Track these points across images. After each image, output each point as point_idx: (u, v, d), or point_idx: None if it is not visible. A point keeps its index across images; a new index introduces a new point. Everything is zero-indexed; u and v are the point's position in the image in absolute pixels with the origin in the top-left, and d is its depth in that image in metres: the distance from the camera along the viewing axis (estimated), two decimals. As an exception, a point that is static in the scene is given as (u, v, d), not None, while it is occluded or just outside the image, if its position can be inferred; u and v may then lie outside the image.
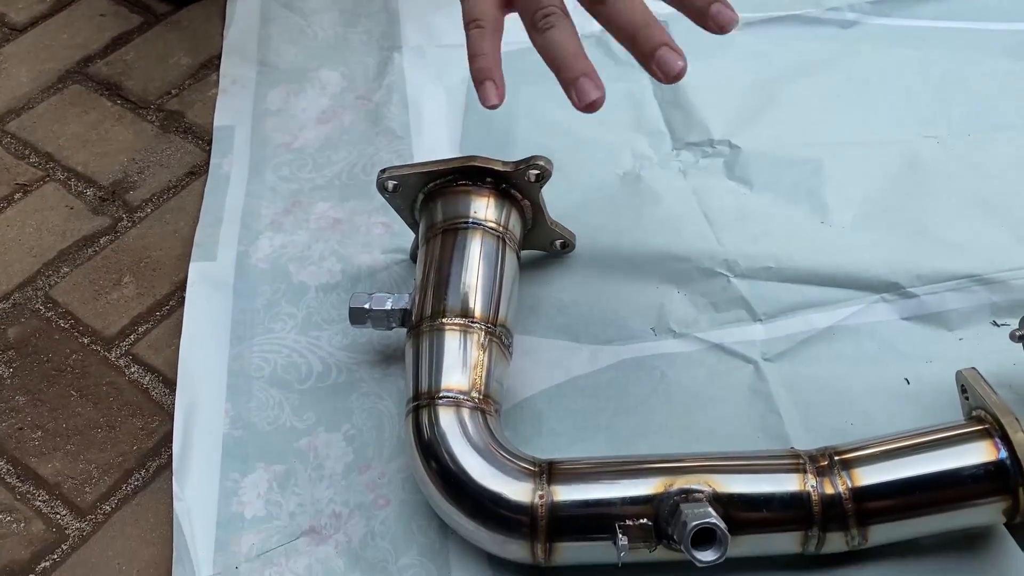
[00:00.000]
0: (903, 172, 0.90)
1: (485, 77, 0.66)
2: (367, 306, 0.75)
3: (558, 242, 0.85)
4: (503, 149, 0.95)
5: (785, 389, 0.76)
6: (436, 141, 0.98)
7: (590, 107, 0.60)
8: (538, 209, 0.81)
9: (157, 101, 1.06)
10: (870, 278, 0.81)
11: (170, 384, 0.80)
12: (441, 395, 0.67)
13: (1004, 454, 0.61)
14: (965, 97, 0.97)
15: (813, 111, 0.97)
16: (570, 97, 0.61)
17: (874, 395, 0.75)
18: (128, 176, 0.99)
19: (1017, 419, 0.61)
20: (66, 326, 0.86)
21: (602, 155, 0.96)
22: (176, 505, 0.71)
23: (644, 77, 1.02)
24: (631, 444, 0.73)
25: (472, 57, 0.67)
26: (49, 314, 0.87)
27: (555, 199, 0.90)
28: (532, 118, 1.00)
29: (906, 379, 0.76)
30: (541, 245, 0.86)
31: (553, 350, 0.81)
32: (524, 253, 0.86)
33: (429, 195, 0.79)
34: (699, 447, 0.71)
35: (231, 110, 1.04)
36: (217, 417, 0.77)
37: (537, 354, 0.80)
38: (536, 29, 0.63)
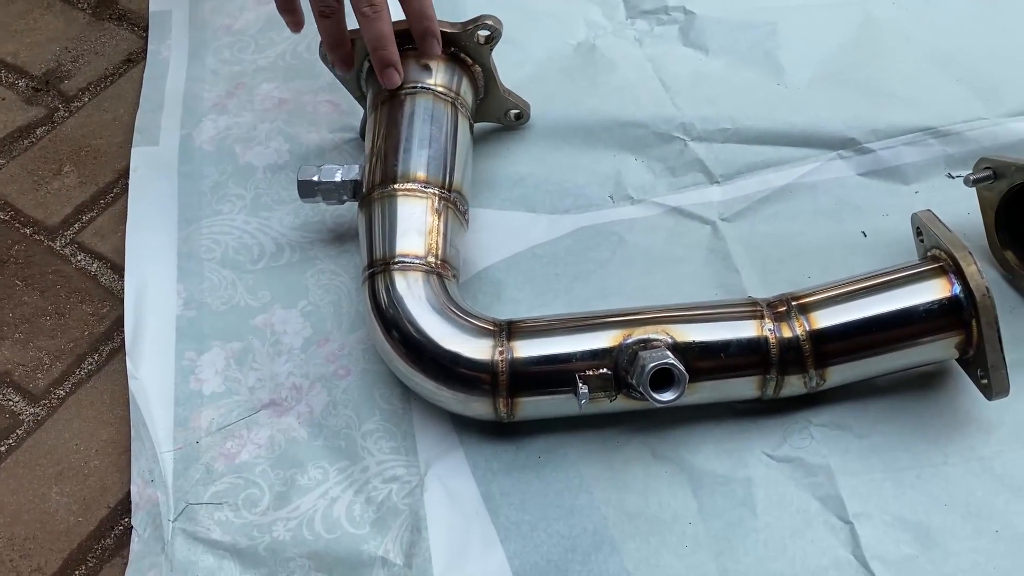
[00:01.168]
0: (859, 32, 0.89)
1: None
2: (316, 178, 0.73)
3: (512, 112, 0.83)
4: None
5: (743, 247, 0.76)
6: (383, 16, 0.94)
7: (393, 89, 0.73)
8: (490, 75, 0.79)
9: (87, -12, 1.01)
10: (826, 135, 0.81)
11: (118, 270, 0.78)
12: (396, 260, 0.66)
13: (958, 289, 0.61)
14: (921, -44, 0.95)
15: (768, -26, 0.95)
16: (378, 77, 0.73)
17: (831, 249, 0.75)
18: (62, 65, 0.94)
19: (970, 253, 0.61)
20: (5, 217, 0.83)
21: (555, 26, 0.94)
22: (131, 384, 0.70)
23: (595, -54, 1.00)
24: (590, 306, 0.72)
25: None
26: (-13, 206, 0.84)
27: (508, 71, 0.88)
28: (482, -9, 0.97)
29: (863, 232, 0.76)
30: (495, 116, 0.84)
31: (511, 221, 0.80)
32: (478, 126, 0.84)
33: (375, 63, 0.76)
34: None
35: (166, -5, 0.99)
36: (169, 299, 0.75)
37: (495, 226, 0.79)
38: (363, 15, 0.70)
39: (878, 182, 0.79)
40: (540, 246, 0.77)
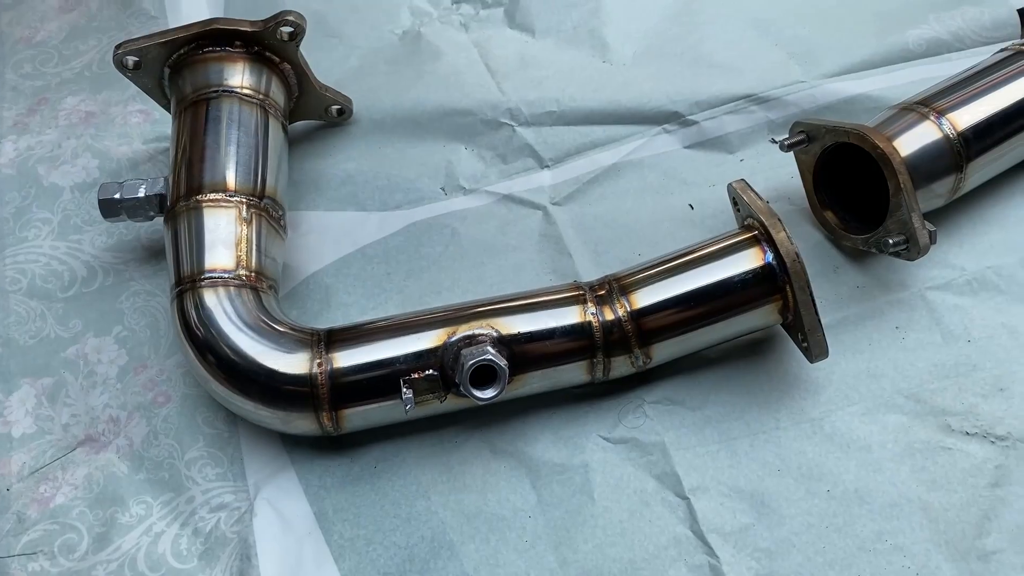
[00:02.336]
0: (681, 2, 0.89)
1: None
2: (118, 196, 0.69)
3: (334, 108, 0.80)
4: (270, 19, 0.88)
5: (574, 229, 0.75)
6: (196, 17, 0.89)
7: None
8: (302, 72, 0.75)
9: None
10: (651, 110, 0.80)
11: (-85, 312, 0.72)
12: (204, 276, 0.63)
13: (770, 256, 0.61)
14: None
15: (590, -51, 0.94)
16: None
17: (660, 224, 0.75)
18: None
19: (780, 220, 0.61)
20: None
21: (379, 15, 0.91)
22: (-71, 436, 0.65)
23: (417, -69, 0.97)
24: (424, 304, 0.71)
25: None
26: None
27: (331, 66, 0.85)
28: (301, -16, 0.93)
29: (690, 205, 0.76)
30: (315, 113, 0.80)
31: (339, 222, 0.77)
32: (301, 125, 0.81)
33: (176, 68, 0.72)
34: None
35: (-42, 8, 0.93)
36: (-29, 338, 0.70)
37: (323, 229, 0.76)
38: None
39: (704, 153, 0.79)
40: (370, 245, 0.75)
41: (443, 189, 0.79)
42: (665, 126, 0.80)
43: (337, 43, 0.88)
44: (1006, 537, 0.59)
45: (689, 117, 0.80)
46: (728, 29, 0.86)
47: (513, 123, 0.81)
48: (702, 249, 0.64)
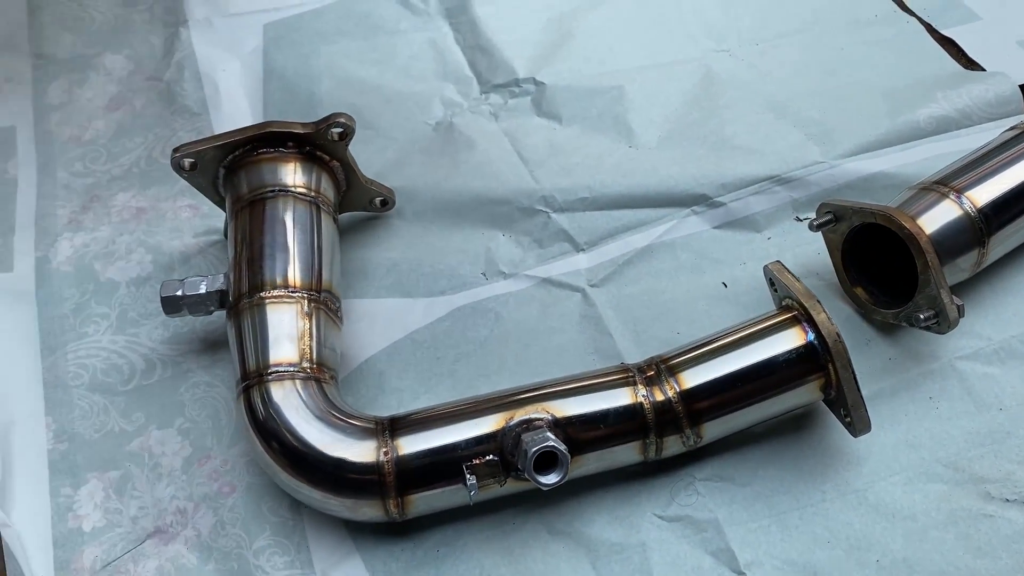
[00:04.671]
0: (700, 87, 0.94)
1: None
2: (180, 293, 0.72)
3: (377, 200, 0.84)
4: (309, 113, 0.93)
5: (613, 310, 0.78)
6: (237, 113, 0.94)
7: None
8: (349, 168, 0.79)
9: (-80, 109, 0.97)
10: (679, 193, 0.84)
11: (-21, 409, 0.74)
12: (270, 371, 0.65)
13: (812, 336, 0.64)
14: (751, 8, 1.01)
15: (611, 38, 0.99)
16: None
17: (695, 302, 0.78)
18: (-101, 194, 0.90)
19: (819, 301, 0.64)
20: None
21: (412, 107, 0.95)
22: (4, 533, 0.67)
23: (444, 24, 1.03)
24: (474, 387, 0.74)
25: None
26: None
27: (370, 157, 0.89)
28: (335, 78, 0.98)
29: (723, 283, 0.79)
30: (360, 205, 0.84)
31: (387, 309, 0.80)
32: (344, 216, 0.85)
33: (231, 168, 0.76)
34: (539, 379, 0.72)
35: (8, 110, 0.96)
36: (38, 433, 0.72)
37: (372, 316, 0.79)
38: None
39: (732, 233, 0.83)
40: (419, 331, 0.78)
41: (484, 274, 0.82)
42: (694, 208, 0.84)
43: (374, 135, 0.92)
44: (1053, 602, 0.61)
45: (716, 199, 0.84)
46: (746, 112, 0.91)
47: (548, 209, 0.85)
48: (745, 329, 0.67)
